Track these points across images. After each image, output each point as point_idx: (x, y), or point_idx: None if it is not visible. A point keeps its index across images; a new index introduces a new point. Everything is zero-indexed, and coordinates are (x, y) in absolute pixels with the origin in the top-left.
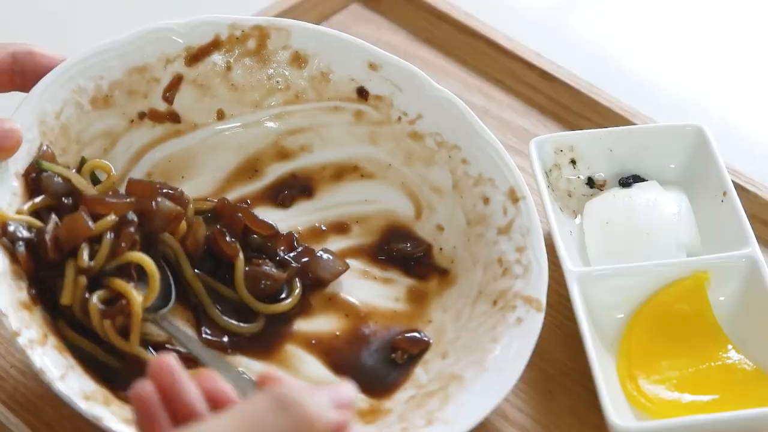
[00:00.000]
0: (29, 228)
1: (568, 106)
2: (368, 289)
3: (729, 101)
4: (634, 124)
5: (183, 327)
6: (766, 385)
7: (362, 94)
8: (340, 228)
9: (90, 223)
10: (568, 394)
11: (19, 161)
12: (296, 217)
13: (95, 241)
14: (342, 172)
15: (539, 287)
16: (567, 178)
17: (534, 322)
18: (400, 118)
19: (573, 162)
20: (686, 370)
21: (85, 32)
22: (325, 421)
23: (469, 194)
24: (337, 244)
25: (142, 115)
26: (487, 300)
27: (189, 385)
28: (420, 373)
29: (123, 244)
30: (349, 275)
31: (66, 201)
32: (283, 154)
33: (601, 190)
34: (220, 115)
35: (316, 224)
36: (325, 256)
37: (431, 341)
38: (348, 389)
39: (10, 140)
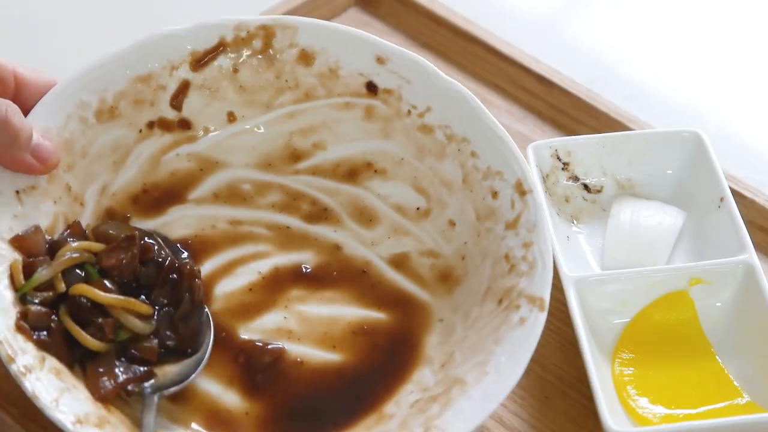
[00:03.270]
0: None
1: (566, 111)
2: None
3: (726, 107)
4: (632, 129)
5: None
6: (753, 394)
7: (371, 88)
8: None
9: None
10: (565, 399)
11: (19, 182)
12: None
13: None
14: (356, 170)
15: (543, 285)
16: (564, 183)
17: (536, 322)
18: (409, 112)
19: (570, 167)
20: (675, 380)
21: (86, 41)
22: None
23: (478, 188)
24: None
25: (150, 125)
26: (493, 298)
27: None
28: (427, 374)
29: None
30: (358, 284)
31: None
32: (297, 154)
33: (599, 194)
34: (231, 118)
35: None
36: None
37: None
38: None
39: (52, 159)
